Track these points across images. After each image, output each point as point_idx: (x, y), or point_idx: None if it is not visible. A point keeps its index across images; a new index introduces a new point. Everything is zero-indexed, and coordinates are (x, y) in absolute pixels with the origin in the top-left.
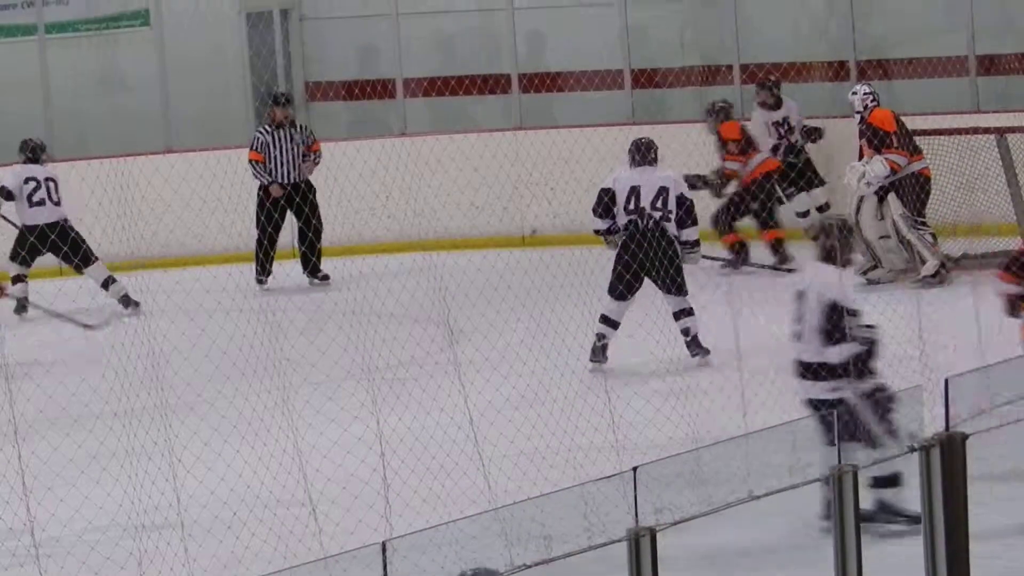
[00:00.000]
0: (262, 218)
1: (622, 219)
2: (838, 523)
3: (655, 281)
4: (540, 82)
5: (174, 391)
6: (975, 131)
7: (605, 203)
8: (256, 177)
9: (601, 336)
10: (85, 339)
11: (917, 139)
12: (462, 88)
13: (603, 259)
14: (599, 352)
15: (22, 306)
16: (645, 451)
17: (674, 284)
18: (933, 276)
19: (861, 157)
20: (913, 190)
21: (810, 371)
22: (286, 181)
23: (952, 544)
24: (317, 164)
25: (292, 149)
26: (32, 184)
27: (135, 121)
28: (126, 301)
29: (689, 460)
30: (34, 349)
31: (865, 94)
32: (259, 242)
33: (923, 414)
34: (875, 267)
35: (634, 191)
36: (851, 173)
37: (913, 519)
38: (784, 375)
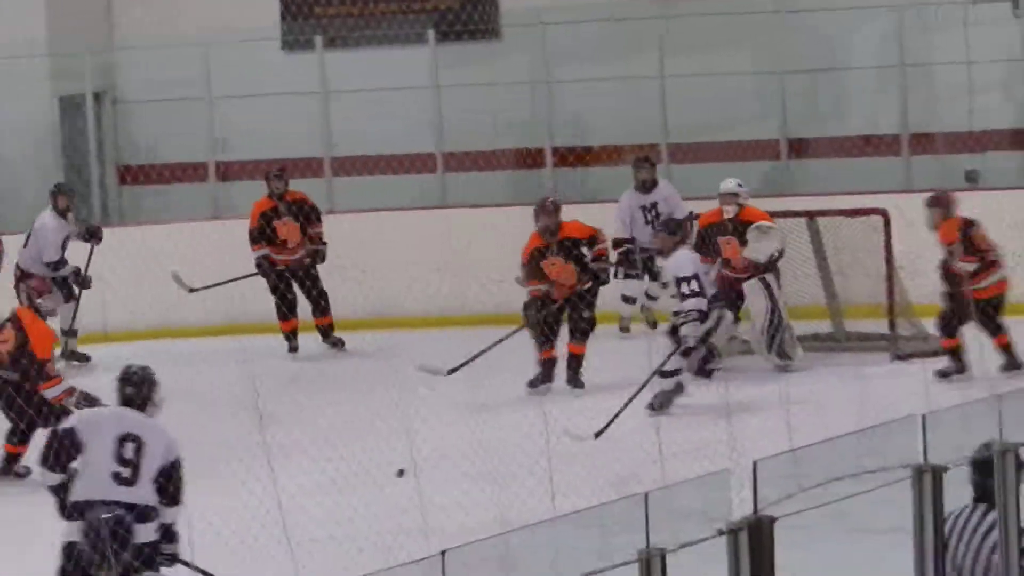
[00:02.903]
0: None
1: None
2: None
3: None
4: (351, 165)
5: None
6: (786, 214)
7: None
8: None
9: None
10: None
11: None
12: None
13: (408, 341)
14: None
15: None
16: (454, 535)
17: None
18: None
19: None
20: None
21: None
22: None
23: None
24: None
25: None
26: None
27: None
28: None
29: (498, 544)
30: None
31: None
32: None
33: (730, 498)
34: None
35: None
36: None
37: None
38: (593, 458)
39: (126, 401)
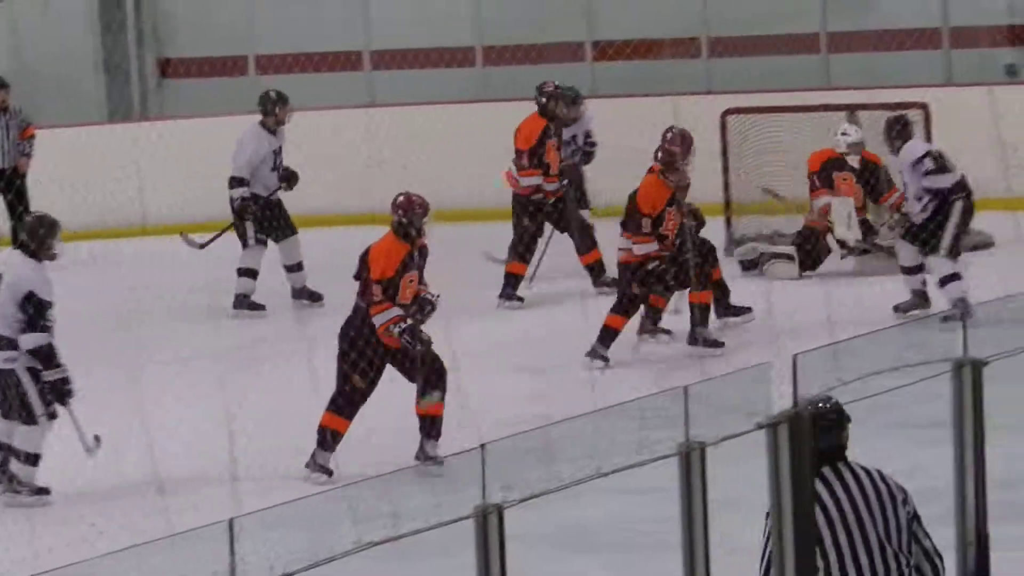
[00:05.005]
0: None
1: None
2: (686, 500)
3: None
4: (391, 59)
5: None
6: (826, 108)
7: None
8: None
9: None
10: None
11: (773, 116)
12: (312, 65)
13: (466, 236)
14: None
15: None
16: (494, 428)
17: None
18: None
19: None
20: None
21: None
22: None
23: (799, 524)
24: (30, 154)
25: (4, 135)
26: None
27: None
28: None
29: (537, 437)
30: None
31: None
32: None
33: (770, 391)
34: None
35: None
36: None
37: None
38: (634, 353)
39: (20, 244)
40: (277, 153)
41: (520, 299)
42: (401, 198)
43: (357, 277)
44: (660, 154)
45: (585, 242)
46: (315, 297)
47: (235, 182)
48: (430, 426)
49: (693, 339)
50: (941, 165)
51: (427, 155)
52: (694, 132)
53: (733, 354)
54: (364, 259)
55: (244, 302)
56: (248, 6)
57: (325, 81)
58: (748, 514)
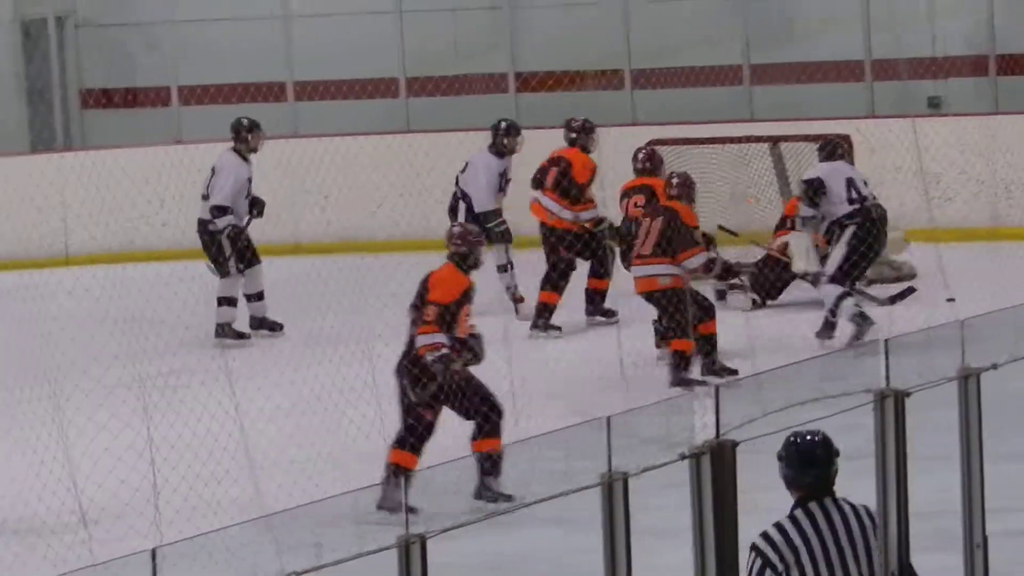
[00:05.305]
0: None
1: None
2: (608, 530)
3: None
4: (314, 89)
5: None
6: (748, 140)
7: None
8: None
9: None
10: None
11: (697, 147)
12: (235, 95)
13: (375, 267)
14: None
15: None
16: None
17: None
18: None
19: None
20: None
21: None
22: None
23: (721, 552)
24: None
25: None
26: None
27: None
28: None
29: (462, 467)
30: None
31: None
32: None
33: (693, 422)
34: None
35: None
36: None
37: None
38: (557, 383)
39: None
40: (250, 181)
41: (558, 328)
42: (457, 228)
43: (416, 305)
44: (676, 179)
45: (600, 269)
46: (275, 327)
47: (219, 211)
48: (490, 462)
49: (710, 369)
50: (810, 200)
51: (350, 186)
52: (618, 164)
53: (659, 383)
54: (425, 283)
55: (227, 331)
56: (170, 37)
57: (248, 112)
58: (673, 542)
